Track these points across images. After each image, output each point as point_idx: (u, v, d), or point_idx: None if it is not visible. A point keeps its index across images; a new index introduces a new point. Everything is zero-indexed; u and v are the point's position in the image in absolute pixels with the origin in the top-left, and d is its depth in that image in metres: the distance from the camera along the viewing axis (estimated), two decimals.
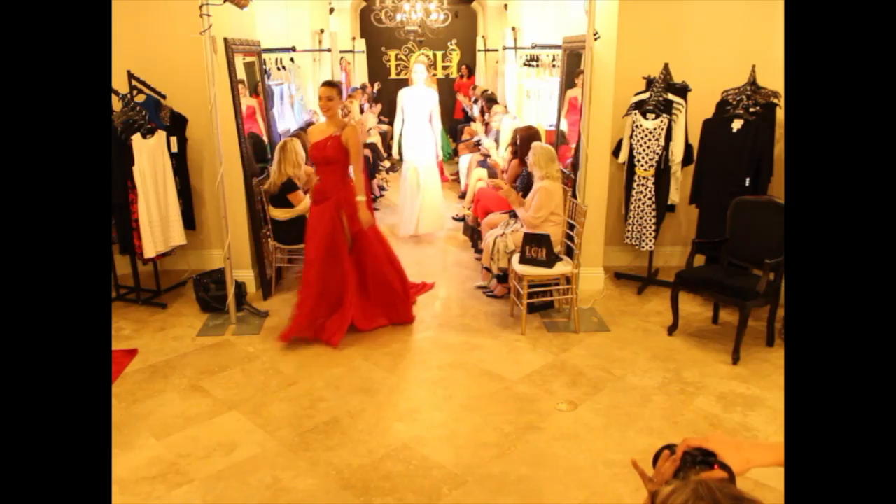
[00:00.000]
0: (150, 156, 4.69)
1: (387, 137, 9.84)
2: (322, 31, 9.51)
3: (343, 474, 2.98)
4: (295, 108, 7.63)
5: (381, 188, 8.68)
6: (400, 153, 6.72)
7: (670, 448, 1.22)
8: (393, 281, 4.56)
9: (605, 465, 3.02)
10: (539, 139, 5.29)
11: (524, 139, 5.41)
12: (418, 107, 6.39)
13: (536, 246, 4.41)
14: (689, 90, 4.88)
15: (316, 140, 4.31)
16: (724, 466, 1.15)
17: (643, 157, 4.94)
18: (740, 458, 1.19)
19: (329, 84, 4.37)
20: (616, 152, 5.17)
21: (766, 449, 1.24)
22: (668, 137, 4.85)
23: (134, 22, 5.01)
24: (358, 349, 4.21)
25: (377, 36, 13.04)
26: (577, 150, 4.98)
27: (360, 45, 13.20)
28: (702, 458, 1.17)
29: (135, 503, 2.82)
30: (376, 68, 13.79)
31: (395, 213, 7.35)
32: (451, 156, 10.08)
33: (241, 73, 5.24)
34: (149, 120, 4.75)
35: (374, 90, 12.03)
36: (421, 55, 13.17)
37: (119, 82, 4.72)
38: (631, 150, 5.01)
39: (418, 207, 6.55)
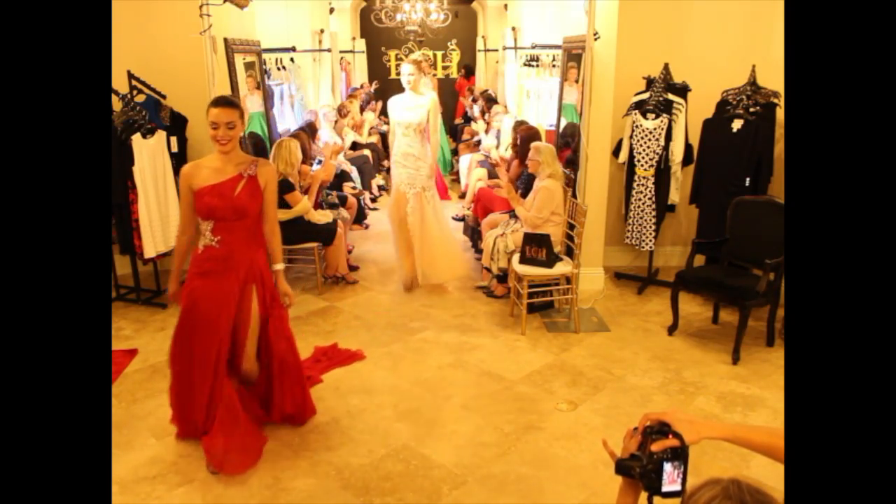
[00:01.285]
0: (150, 156, 4.69)
1: (387, 137, 9.84)
2: (322, 31, 9.51)
3: (343, 474, 2.98)
4: (295, 108, 7.64)
5: (382, 188, 8.68)
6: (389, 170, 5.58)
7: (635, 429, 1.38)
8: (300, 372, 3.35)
9: (605, 465, 3.02)
10: (539, 139, 5.29)
11: (524, 139, 5.41)
12: (406, 120, 4.98)
13: (536, 246, 4.41)
14: (689, 90, 4.88)
15: (210, 183, 2.92)
16: (676, 435, 1.30)
17: (643, 157, 4.94)
18: (693, 430, 1.34)
19: (226, 104, 3.00)
20: (616, 152, 5.17)
21: (716, 426, 1.43)
22: (668, 137, 4.85)
23: (134, 22, 5.01)
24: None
25: (377, 36, 13.04)
26: (577, 149, 4.98)
27: (360, 45, 13.20)
28: (658, 429, 1.32)
29: (135, 503, 2.81)
30: (376, 68, 13.80)
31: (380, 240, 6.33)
32: (451, 168, 9.54)
33: (241, 74, 5.24)
34: (149, 120, 4.75)
35: (373, 88, 12.03)
36: (417, 53, 13.07)
37: (119, 82, 4.72)
38: (631, 150, 5.01)
39: (418, 252, 5.11)
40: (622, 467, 1.31)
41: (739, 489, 1.04)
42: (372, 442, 3.22)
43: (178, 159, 5.06)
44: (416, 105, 4.99)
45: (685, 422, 1.33)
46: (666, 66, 4.90)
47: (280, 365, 3.20)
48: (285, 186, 4.87)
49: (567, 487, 2.89)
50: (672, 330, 4.39)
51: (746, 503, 1.02)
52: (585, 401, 3.58)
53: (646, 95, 4.95)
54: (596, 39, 4.51)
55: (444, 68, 14.12)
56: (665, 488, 1.26)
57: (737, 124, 4.69)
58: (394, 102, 5.11)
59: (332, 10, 10.58)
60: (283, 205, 4.97)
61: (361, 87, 11.39)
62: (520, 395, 3.66)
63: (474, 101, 10.31)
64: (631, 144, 5.00)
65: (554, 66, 6.84)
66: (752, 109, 4.66)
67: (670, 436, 1.29)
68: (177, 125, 5.06)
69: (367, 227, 7.13)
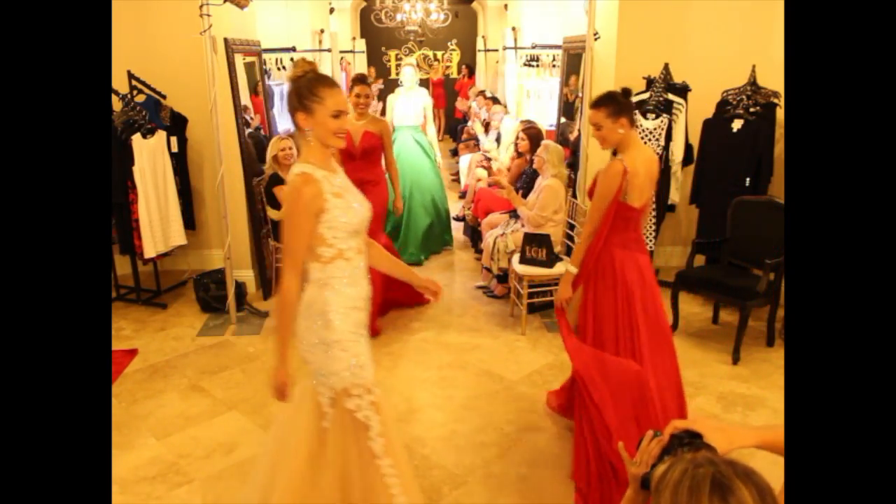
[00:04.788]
0: (150, 156, 4.69)
1: None
2: (322, 31, 9.52)
3: None
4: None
5: None
6: None
7: (656, 434, 1.28)
8: None
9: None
10: (543, 138, 5.29)
11: (533, 136, 5.40)
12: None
13: (536, 246, 4.42)
14: (689, 90, 4.88)
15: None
16: (709, 447, 1.21)
17: None
18: (724, 439, 1.25)
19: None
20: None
21: (749, 432, 1.33)
22: (669, 137, 4.85)
23: (134, 22, 5.01)
24: None
25: (377, 36, 13.06)
26: (577, 149, 4.98)
27: (360, 45, 13.21)
28: (689, 440, 1.23)
29: (135, 503, 2.81)
30: (376, 68, 13.81)
31: None
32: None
33: (241, 73, 5.23)
34: (149, 120, 4.75)
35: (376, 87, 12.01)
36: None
37: (119, 82, 4.72)
38: None
39: None
40: (649, 482, 1.19)
41: (708, 458, 1.04)
42: None
43: (178, 159, 5.07)
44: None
45: (717, 430, 1.25)
46: (666, 66, 4.90)
47: None
48: (274, 180, 4.79)
49: (567, 487, 2.88)
50: (672, 330, 4.39)
51: (717, 464, 1.02)
52: None
53: (646, 95, 4.95)
54: (596, 39, 4.51)
55: (445, 68, 14.13)
56: None
57: (737, 124, 4.69)
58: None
59: (332, 10, 10.59)
60: (274, 200, 4.90)
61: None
62: (520, 395, 3.66)
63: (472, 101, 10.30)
64: None
65: (554, 66, 6.84)
66: (752, 109, 4.66)
67: (703, 449, 1.20)
68: (177, 125, 5.06)
69: None
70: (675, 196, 5.06)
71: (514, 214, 5.05)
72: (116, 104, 4.75)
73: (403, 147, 5.84)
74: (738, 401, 3.58)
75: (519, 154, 5.83)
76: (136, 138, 4.60)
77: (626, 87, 2.93)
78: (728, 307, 4.54)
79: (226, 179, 4.47)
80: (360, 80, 4.43)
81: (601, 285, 2.90)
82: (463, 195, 7.44)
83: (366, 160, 4.37)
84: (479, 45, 13.11)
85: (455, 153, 9.80)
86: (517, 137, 5.87)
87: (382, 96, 11.63)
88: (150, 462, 3.08)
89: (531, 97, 7.75)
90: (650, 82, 4.97)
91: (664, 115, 4.82)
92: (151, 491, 2.88)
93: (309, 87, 2.09)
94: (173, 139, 4.96)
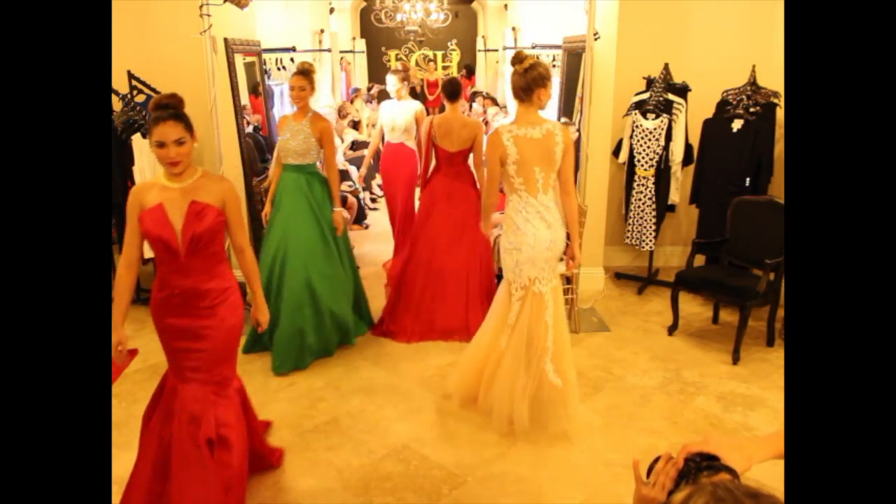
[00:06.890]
0: (150, 156, 4.69)
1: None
2: (322, 31, 9.53)
3: (343, 474, 2.98)
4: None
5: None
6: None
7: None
8: None
9: (605, 465, 3.02)
10: None
11: None
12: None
13: None
14: (689, 90, 4.88)
15: None
16: (729, 470, 1.14)
17: (643, 157, 4.94)
18: (741, 457, 1.19)
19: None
20: (616, 152, 5.17)
21: (764, 443, 1.26)
22: (669, 137, 4.85)
23: (134, 22, 5.00)
24: (358, 350, 4.21)
25: (377, 36, 13.07)
26: (576, 149, 4.98)
27: (360, 45, 13.22)
28: (707, 464, 1.16)
29: None
30: (376, 68, 13.81)
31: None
32: None
33: (241, 74, 5.24)
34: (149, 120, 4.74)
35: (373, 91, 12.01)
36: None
37: (119, 82, 4.72)
38: (631, 150, 5.01)
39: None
40: None
41: (727, 489, 0.99)
42: (372, 442, 3.22)
43: None
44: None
45: (732, 449, 1.19)
46: (666, 66, 4.90)
47: None
48: None
49: (567, 487, 2.89)
50: (672, 330, 4.39)
51: (739, 500, 0.96)
52: (585, 401, 3.58)
53: (646, 95, 4.95)
54: (596, 39, 4.51)
55: (445, 68, 14.14)
56: None
57: (737, 124, 4.70)
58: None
59: (332, 10, 10.60)
60: None
61: (369, 89, 11.33)
62: None
63: (472, 101, 10.30)
64: (631, 144, 5.00)
65: (554, 66, 6.83)
66: (752, 109, 4.67)
67: (722, 471, 1.14)
68: None
69: (367, 227, 7.12)
70: (675, 196, 5.06)
71: None
72: (116, 104, 4.75)
73: (285, 195, 4.02)
74: (738, 401, 3.58)
75: None
76: (136, 138, 4.60)
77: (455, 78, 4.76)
78: (728, 307, 4.54)
79: None
80: (158, 108, 2.58)
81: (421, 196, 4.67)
82: None
83: (198, 255, 2.53)
84: (479, 45, 13.13)
85: None
86: None
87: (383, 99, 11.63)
88: None
89: None
90: (650, 82, 4.97)
91: (664, 115, 4.83)
92: None
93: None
94: None
